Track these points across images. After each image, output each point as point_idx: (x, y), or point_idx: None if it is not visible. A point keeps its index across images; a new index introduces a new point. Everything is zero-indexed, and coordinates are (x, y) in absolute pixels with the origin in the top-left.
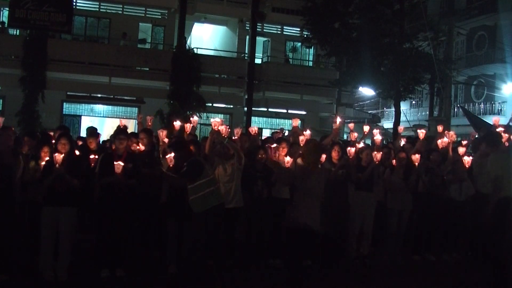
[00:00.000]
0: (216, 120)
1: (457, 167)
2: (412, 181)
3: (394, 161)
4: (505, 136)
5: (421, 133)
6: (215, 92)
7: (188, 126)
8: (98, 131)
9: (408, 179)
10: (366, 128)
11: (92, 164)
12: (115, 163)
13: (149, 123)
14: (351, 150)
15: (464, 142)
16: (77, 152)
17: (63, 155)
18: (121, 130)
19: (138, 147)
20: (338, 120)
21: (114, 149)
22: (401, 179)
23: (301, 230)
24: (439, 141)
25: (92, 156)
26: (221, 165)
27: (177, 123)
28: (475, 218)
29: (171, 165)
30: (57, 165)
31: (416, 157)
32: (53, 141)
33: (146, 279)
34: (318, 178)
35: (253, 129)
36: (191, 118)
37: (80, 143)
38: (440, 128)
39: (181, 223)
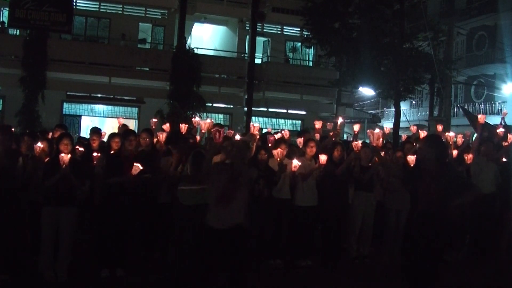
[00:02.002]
0: (257, 125)
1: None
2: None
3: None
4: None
5: (423, 133)
6: (215, 92)
7: (201, 124)
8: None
9: None
10: (356, 127)
11: (94, 162)
12: (134, 164)
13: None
14: (358, 144)
15: (460, 141)
16: (81, 149)
17: (69, 155)
18: (130, 131)
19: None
20: (340, 120)
21: (121, 149)
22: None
23: (227, 230)
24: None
25: (94, 154)
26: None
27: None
28: (474, 218)
29: (174, 165)
30: (63, 165)
31: (411, 158)
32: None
33: (146, 279)
34: (246, 172)
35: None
36: (194, 119)
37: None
38: (440, 128)
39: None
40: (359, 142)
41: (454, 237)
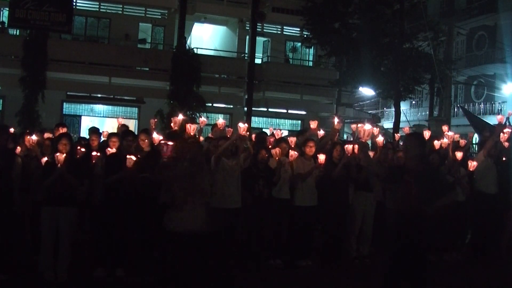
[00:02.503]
0: (243, 125)
1: (453, 169)
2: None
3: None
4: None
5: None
6: (215, 92)
7: (192, 127)
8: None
9: None
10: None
11: (94, 161)
12: (127, 156)
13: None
14: (349, 147)
15: (462, 142)
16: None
17: (65, 155)
18: (128, 132)
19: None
20: (336, 120)
21: (119, 149)
22: None
23: (186, 235)
24: (437, 142)
25: (94, 153)
26: (224, 164)
27: (179, 118)
28: (475, 218)
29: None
30: (59, 165)
31: None
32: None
33: (146, 279)
34: (202, 175)
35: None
36: (200, 119)
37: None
38: (445, 128)
39: None
40: (349, 146)
41: (435, 238)
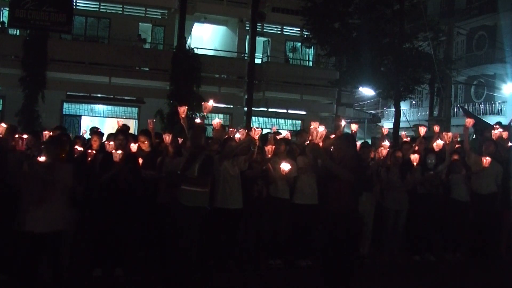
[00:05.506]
0: (257, 129)
1: (456, 165)
2: (408, 180)
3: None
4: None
5: (423, 128)
6: (215, 92)
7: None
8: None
9: (405, 178)
10: (354, 127)
11: (89, 159)
12: (113, 151)
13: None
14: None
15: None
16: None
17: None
18: (118, 131)
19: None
20: (343, 122)
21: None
22: (398, 178)
23: (31, 236)
24: (435, 144)
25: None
26: (225, 165)
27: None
28: (472, 218)
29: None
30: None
31: (415, 157)
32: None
33: (145, 279)
34: (63, 172)
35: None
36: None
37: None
38: (436, 129)
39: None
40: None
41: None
